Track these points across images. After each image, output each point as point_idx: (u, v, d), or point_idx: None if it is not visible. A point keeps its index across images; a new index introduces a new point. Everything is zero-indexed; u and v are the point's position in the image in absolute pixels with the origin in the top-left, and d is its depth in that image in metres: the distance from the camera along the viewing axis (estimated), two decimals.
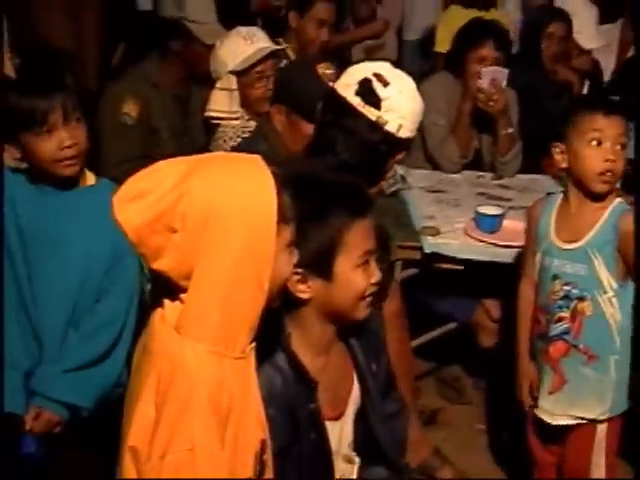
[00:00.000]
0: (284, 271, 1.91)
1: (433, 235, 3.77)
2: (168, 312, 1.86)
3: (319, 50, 4.66)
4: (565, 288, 3.09)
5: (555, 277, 3.11)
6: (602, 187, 3.00)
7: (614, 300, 3.06)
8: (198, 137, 4.28)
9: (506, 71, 4.43)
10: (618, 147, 2.98)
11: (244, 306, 1.82)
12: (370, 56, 5.90)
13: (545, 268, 3.14)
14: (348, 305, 2.21)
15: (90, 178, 2.88)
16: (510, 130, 4.48)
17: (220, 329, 1.80)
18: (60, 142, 2.68)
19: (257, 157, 1.88)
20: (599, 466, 3.12)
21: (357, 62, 3.11)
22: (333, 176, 2.32)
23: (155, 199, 1.78)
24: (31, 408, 2.71)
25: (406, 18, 6.94)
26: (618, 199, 3.08)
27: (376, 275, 2.21)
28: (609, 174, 2.97)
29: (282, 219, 1.84)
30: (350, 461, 2.36)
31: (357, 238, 2.15)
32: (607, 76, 5.88)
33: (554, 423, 3.15)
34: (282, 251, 1.87)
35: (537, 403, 3.17)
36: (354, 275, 2.17)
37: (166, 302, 1.87)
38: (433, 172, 4.54)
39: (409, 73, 3.01)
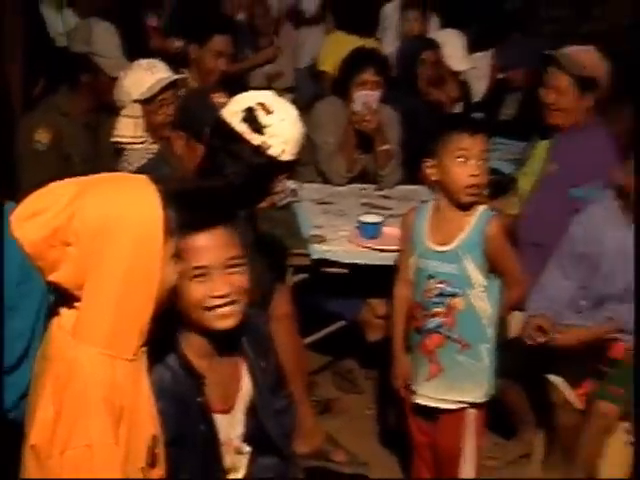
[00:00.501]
0: (170, 280, 1.90)
1: (320, 243, 3.81)
2: (64, 319, 1.85)
3: (218, 79, 4.67)
4: (439, 286, 3.13)
5: (430, 277, 3.15)
6: (469, 198, 3.07)
7: (483, 295, 3.12)
8: (108, 161, 4.26)
9: (377, 94, 4.50)
10: (481, 162, 3.06)
11: (134, 312, 1.82)
12: (270, 83, 5.97)
13: (421, 269, 3.18)
14: (194, 316, 2.18)
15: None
16: (387, 146, 4.54)
17: (112, 334, 1.81)
18: None
19: (143, 177, 1.90)
20: (471, 446, 3.17)
21: (253, 89, 3.12)
22: (192, 193, 2.27)
23: (50, 216, 1.78)
24: None
25: (299, 46, 7.00)
26: (483, 206, 3.15)
27: (219, 288, 2.16)
28: (474, 187, 3.04)
29: (167, 232, 1.85)
30: (240, 452, 2.35)
31: (187, 252, 2.10)
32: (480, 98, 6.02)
33: (434, 405, 3.19)
34: (168, 261, 1.87)
35: (415, 390, 3.21)
36: (187, 287, 2.13)
37: (62, 310, 1.86)
38: (323, 185, 4.57)
39: (303, 97, 3.02)
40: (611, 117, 4.44)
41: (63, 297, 1.85)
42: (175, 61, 4.77)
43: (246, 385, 2.35)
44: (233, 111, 2.87)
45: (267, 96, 2.91)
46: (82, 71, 4.22)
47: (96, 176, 1.92)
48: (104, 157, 4.27)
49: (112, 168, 3.98)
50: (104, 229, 1.78)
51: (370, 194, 4.53)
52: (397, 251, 3.51)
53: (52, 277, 1.82)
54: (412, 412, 3.29)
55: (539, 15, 7.42)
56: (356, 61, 4.65)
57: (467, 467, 3.18)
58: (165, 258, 1.85)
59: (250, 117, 2.82)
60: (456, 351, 3.14)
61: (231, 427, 2.33)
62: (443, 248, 3.13)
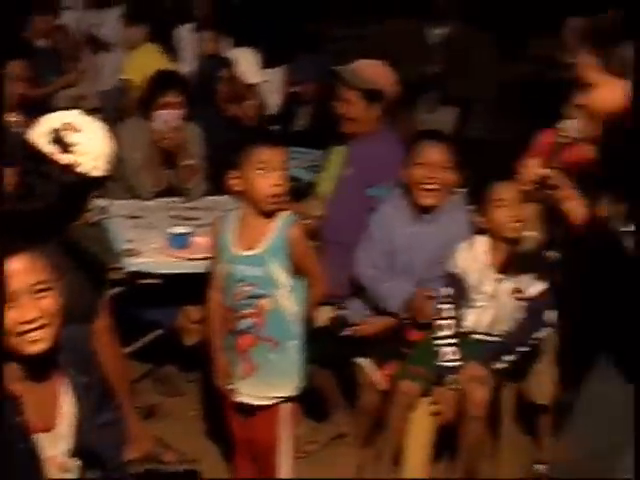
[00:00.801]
0: None
1: (133, 256, 3.76)
2: None
3: (18, 103, 4.56)
4: (248, 289, 3.16)
5: (239, 281, 3.17)
6: (271, 207, 3.12)
7: (289, 295, 3.17)
8: None
9: (177, 113, 4.50)
10: (281, 172, 3.11)
11: None
12: (75, 104, 5.83)
13: (230, 274, 3.19)
14: (10, 341, 2.09)
15: None
16: (190, 161, 4.54)
17: None
18: None
19: None
20: (287, 438, 3.22)
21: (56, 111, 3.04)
22: None
23: None
24: None
25: (100, 69, 6.90)
26: (286, 212, 3.19)
27: (27, 314, 2.09)
28: (276, 196, 3.10)
29: None
30: (66, 468, 2.29)
31: None
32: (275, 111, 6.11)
33: (250, 402, 3.22)
34: None
35: (233, 389, 3.23)
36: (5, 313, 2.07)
37: None
38: (132, 201, 4.50)
39: (107, 118, 2.97)
40: (399, 121, 4.61)
41: None
42: None
43: (67, 403, 2.29)
44: (40, 132, 2.79)
45: (73, 115, 2.85)
46: None
47: None
48: None
49: None
50: None
51: (178, 206, 4.50)
52: (207, 259, 3.52)
53: None
54: (232, 410, 3.30)
55: (325, 34, 7.62)
56: (158, 84, 4.64)
57: (283, 459, 3.22)
58: None
59: (57, 137, 2.75)
60: (267, 350, 3.18)
61: (54, 445, 2.25)
62: (249, 253, 3.16)
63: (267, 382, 3.20)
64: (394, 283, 3.65)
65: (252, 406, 3.23)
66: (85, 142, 2.78)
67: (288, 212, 3.21)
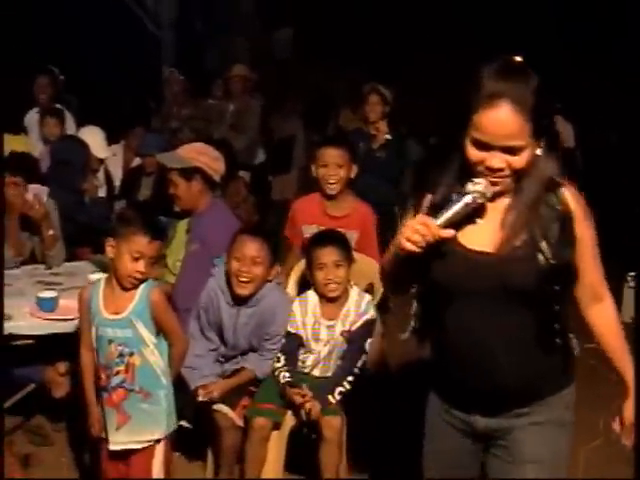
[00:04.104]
0: None
1: (7, 320, 3.71)
2: None
3: None
4: (119, 348, 3.18)
5: (110, 341, 3.18)
6: (130, 285, 3.16)
7: (155, 351, 3.21)
8: None
9: (45, 189, 4.61)
10: (150, 259, 3.16)
11: None
12: None
13: (101, 336, 3.19)
14: None
15: None
16: (52, 232, 4.54)
17: None
18: None
19: None
20: (160, 473, 3.27)
21: None
22: None
23: None
24: None
25: None
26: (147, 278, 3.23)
27: None
28: (137, 280, 3.14)
29: None
30: None
31: None
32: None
33: (126, 448, 3.23)
34: None
35: (109, 439, 3.24)
36: None
37: None
38: None
39: None
40: (228, 192, 4.81)
41: None
42: None
43: None
44: None
45: None
46: None
47: None
48: None
49: None
50: None
51: (41, 273, 4.50)
52: (74, 319, 3.59)
53: None
54: (107, 457, 3.30)
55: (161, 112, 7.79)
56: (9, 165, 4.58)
57: None
58: None
59: None
60: (139, 400, 3.20)
61: None
62: (118, 316, 3.18)
63: (140, 429, 3.22)
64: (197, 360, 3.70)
65: (127, 450, 3.25)
66: None
67: (149, 278, 3.29)
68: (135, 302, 3.19)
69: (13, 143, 5.48)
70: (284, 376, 3.65)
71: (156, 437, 3.24)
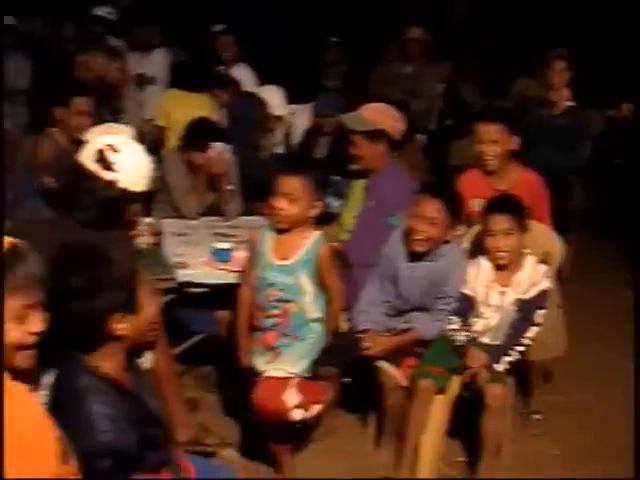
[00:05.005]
0: (11, 336, 1.75)
1: (182, 268, 3.81)
2: None
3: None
4: (277, 293, 3.28)
5: (270, 285, 3.27)
6: (282, 226, 3.29)
7: (312, 302, 3.29)
8: None
9: (228, 147, 4.63)
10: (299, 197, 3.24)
11: None
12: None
13: (263, 278, 3.30)
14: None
15: None
16: (230, 187, 4.63)
17: None
18: None
19: None
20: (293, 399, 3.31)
21: None
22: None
23: None
24: None
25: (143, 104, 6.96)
26: (317, 232, 3.28)
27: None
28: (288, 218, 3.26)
29: (8, 290, 1.72)
30: None
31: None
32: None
33: (271, 375, 3.34)
34: (11, 319, 1.75)
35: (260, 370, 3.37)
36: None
37: None
38: (178, 220, 4.55)
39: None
40: (404, 154, 4.68)
41: None
42: None
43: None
44: (86, 154, 2.84)
45: (116, 138, 2.90)
46: None
47: None
48: None
49: None
50: None
51: (219, 225, 4.56)
52: None
53: None
54: (255, 386, 3.36)
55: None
56: (197, 130, 4.69)
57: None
58: (7, 316, 1.72)
59: (100, 157, 2.79)
60: (289, 341, 3.33)
61: None
62: (282, 262, 3.25)
63: (283, 362, 3.34)
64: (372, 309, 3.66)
65: (271, 378, 3.34)
66: (124, 161, 2.82)
67: (319, 232, 3.28)
68: (302, 252, 3.23)
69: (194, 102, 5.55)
70: (462, 336, 3.51)
71: (294, 371, 3.32)
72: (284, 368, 3.34)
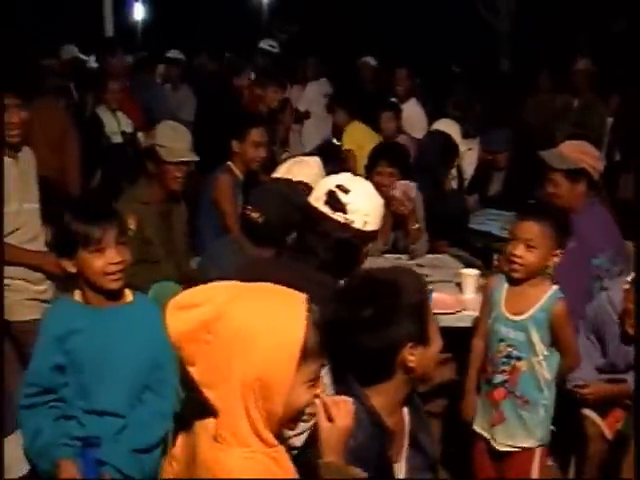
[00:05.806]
0: (298, 402, 1.66)
1: None
2: (207, 423, 1.66)
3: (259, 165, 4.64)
4: (508, 349, 3.08)
5: (501, 340, 3.09)
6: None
7: (543, 363, 3.07)
8: (180, 245, 4.14)
9: (414, 184, 4.43)
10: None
11: (265, 416, 1.62)
12: None
13: (494, 331, 3.12)
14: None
15: (128, 294, 2.66)
16: (417, 225, 4.46)
17: (249, 435, 1.62)
18: (109, 259, 2.50)
19: (300, 295, 1.67)
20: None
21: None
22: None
23: (201, 312, 1.61)
24: (104, 474, 2.50)
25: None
26: (554, 287, 3.07)
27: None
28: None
29: (305, 355, 1.62)
30: None
31: None
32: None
33: (497, 448, 3.12)
34: (300, 384, 1.64)
35: (485, 433, 3.16)
36: None
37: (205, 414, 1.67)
38: None
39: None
40: (604, 194, 4.42)
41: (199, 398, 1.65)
42: None
43: (406, 428, 2.18)
44: (317, 196, 2.71)
45: (344, 177, 2.76)
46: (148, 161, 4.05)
47: (254, 284, 1.70)
48: (177, 242, 4.13)
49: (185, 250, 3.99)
50: (243, 335, 1.59)
51: (405, 263, 4.35)
52: (453, 313, 3.58)
53: (190, 370, 1.63)
54: (481, 450, 3.21)
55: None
56: (375, 155, 4.63)
57: None
58: (297, 381, 1.62)
59: (331, 199, 2.66)
60: (518, 406, 3.08)
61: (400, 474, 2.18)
62: (515, 317, 3.07)
63: (514, 433, 3.09)
64: None
65: (498, 451, 3.13)
66: (355, 201, 2.67)
67: (556, 287, 3.07)
68: (536, 308, 3.06)
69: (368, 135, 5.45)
70: None
71: (528, 445, 3.10)
72: (512, 443, 3.11)
